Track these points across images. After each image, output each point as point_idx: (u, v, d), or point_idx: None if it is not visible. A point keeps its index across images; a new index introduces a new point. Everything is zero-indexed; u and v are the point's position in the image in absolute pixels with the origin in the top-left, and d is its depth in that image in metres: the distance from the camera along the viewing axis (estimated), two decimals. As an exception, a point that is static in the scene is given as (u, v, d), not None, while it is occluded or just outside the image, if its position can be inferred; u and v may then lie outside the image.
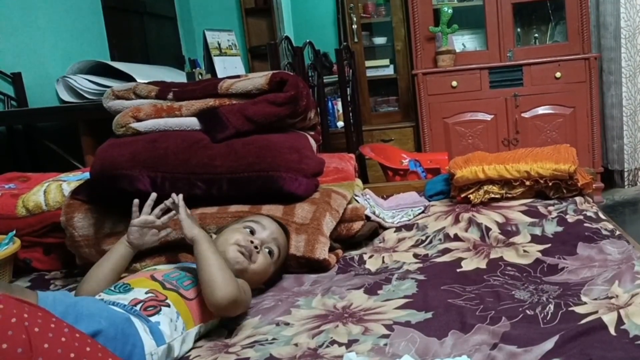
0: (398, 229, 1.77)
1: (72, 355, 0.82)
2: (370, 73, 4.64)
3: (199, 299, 1.20)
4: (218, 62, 3.31)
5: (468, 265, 1.48)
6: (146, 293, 1.15)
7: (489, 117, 3.92)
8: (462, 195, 1.85)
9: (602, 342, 0.98)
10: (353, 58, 3.91)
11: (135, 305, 1.10)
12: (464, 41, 4.22)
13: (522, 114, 3.88)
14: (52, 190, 1.84)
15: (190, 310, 1.17)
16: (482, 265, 1.47)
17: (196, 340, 1.18)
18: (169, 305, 1.13)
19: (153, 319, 1.09)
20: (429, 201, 1.98)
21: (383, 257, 1.61)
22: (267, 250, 1.39)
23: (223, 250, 1.32)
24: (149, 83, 1.86)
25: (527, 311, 1.16)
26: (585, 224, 1.62)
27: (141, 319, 1.08)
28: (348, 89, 3.62)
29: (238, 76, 1.86)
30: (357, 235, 1.69)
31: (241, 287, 1.22)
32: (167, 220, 1.40)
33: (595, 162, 3.86)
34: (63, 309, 0.99)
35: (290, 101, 1.71)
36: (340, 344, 1.10)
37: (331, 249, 1.60)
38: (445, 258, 1.55)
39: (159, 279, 1.21)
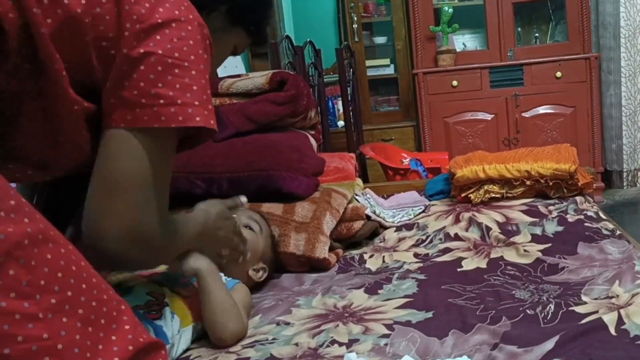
0: (398, 229, 1.77)
1: None
2: (370, 72, 4.64)
3: (197, 297, 1.19)
4: (218, 61, 3.29)
5: (468, 264, 1.48)
6: (147, 294, 1.14)
7: (489, 117, 3.92)
8: (463, 195, 1.85)
9: (603, 342, 0.98)
10: (353, 57, 3.91)
11: (139, 309, 1.10)
12: (464, 41, 4.22)
13: (523, 114, 3.88)
14: (52, 190, 1.84)
15: (187, 307, 1.16)
16: (483, 264, 1.47)
17: (196, 339, 1.18)
18: (167, 305, 1.13)
19: (157, 322, 1.09)
20: (430, 200, 1.98)
21: (383, 257, 1.61)
22: (246, 227, 1.38)
23: None
24: (149, 82, 1.86)
25: (528, 311, 1.16)
26: (585, 224, 1.62)
27: (145, 322, 1.07)
28: (348, 89, 3.62)
29: (238, 75, 1.87)
30: (357, 235, 1.69)
31: (245, 303, 1.22)
32: None
33: (595, 162, 3.86)
34: None
35: (290, 100, 1.71)
36: (340, 344, 1.09)
37: (331, 249, 1.60)
38: (446, 257, 1.55)
39: (156, 278, 1.21)
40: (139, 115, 0.83)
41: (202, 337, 1.20)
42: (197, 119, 0.86)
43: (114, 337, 0.75)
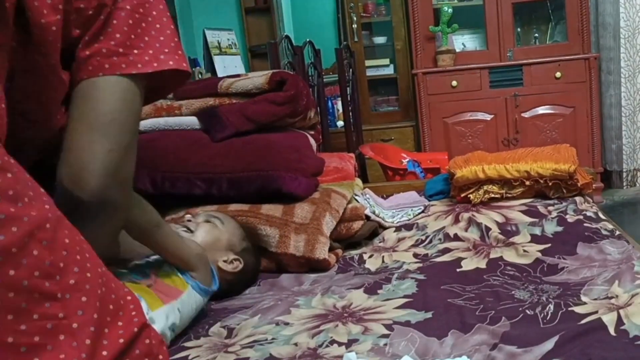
0: (398, 229, 1.77)
1: None
2: (370, 72, 4.64)
3: (160, 280, 1.16)
4: (218, 61, 3.31)
5: (468, 265, 1.48)
6: None
7: (488, 117, 3.92)
8: (462, 195, 1.85)
9: (602, 342, 0.98)
10: (353, 57, 3.91)
11: None
12: (464, 41, 4.22)
13: (522, 114, 3.88)
14: (51, 189, 1.84)
15: (154, 292, 1.12)
16: (482, 265, 1.47)
17: (194, 334, 1.17)
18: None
19: None
20: (429, 201, 1.98)
21: (383, 257, 1.61)
22: (203, 221, 1.38)
23: None
24: (148, 82, 1.86)
25: (527, 311, 1.16)
26: (585, 224, 1.62)
27: None
28: (348, 89, 3.62)
29: (238, 75, 1.86)
30: (356, 235, 1.69)
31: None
32: None
33: (595, 162, 3.86)
34: None
35: (290, 100, 1.71)
36: (340, 344, 1.09)
37: (331, 249, 1.60)
38: (445, 258, 1.55)
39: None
40: (117, 63, 0.89)
41: (201, 335, 1.20)
42: (170, 62, 0.94)
43: (120, 323, 0.79)
